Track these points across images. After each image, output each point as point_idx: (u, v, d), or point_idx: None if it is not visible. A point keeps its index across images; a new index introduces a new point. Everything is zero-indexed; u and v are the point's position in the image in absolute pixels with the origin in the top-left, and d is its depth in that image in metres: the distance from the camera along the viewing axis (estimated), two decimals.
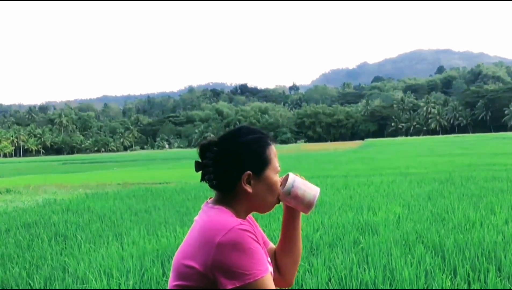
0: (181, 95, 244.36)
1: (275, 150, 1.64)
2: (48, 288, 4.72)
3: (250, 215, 1.73)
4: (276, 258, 1.78)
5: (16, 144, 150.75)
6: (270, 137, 1.64)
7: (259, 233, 1.74)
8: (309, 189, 1.65)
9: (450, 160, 23.24)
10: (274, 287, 1.48)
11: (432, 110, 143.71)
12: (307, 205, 1.65)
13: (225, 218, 1.50)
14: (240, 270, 1.41)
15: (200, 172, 1.62)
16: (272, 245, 1.82)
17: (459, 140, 71.87)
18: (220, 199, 1.59)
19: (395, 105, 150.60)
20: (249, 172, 1.55)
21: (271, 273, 1.61)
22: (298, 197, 1.64)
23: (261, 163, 1.58)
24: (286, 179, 1.66)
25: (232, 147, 1.57)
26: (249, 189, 1.56)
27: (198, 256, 1.46)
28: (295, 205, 1.67)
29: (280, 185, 1.66)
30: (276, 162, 1.62)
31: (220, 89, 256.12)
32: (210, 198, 1.65)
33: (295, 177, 1.66)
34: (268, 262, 1.61)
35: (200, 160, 1.60)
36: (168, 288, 1.55)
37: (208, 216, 1.54)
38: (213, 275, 1.43)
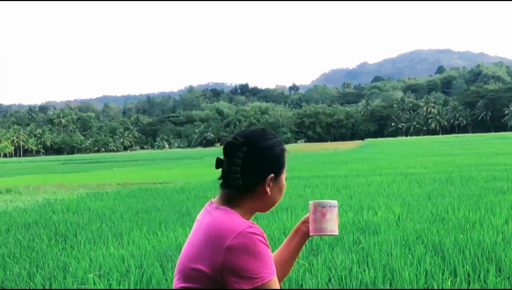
0: (181, 95, 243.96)
1: None
2: (48, 288, 4.73)
3: None
4: None
5: (16, 144, 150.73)
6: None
7: None
8: (334, 223, 1.71)
9: (450, 160, 23.23)
10: (279, 288, 1.49)
11: (432, 110, 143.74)
12: (320, 228, 1.70)
13: (233, 220, 1.50)
14: (248, 273, 1.42)
15: (219, 170, 1.61)
16: None
17: (459, 140, 71.86)
18: (227, 199, 1.58)
19: (395, 105, 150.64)
20: (272, 175, 1.59)
21: None
22: (323, 216, 1.69)
23: (281, 166, 1.62)
24: (330, 201, 1.73)
25: (261, 149, 1.58)
26: (269, 190, 1.59)
27: (206, 259, 1.46)
28: (313, 219, 1.71)
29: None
30: (286, 165, 1.68)
31: (220, 89, 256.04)
32: (214, 197, 1.65)
33: (337, 206, 1.72)
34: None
35: (222, 157, 1.60)
36: (173, 285, 1.56)
37: (214, 217, 1.53)
38: (221, 278, 1.44)
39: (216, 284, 1.45)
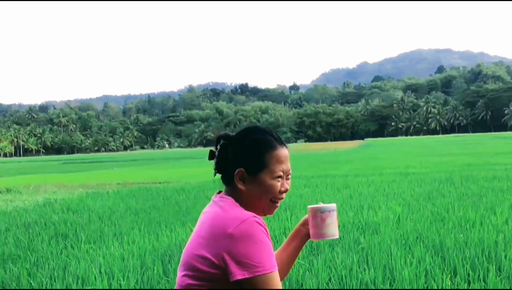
0: (181, 94, 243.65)
1: (283, 155, 1.62)
2: (48, 288, 4.73)
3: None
4: None
5: (16, 144, 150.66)
6: (279, 141, 1.64)
7: None
8: (334, 226, 1.71)
9: (450, 159, 23.24)
10: (281, 287, 1.48)
11: (432, 109, 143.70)
12: (320, 233, 1.70)
13: (238, 210, 1.52)
14: (250, 261, 1.43)
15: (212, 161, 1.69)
16: None
17: (459, 139, 71.86)
18: (228, 192, 1.62)
19: (395, 105, 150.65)
20: (241, 169, 1.58)
21: None
22: (323, 222, 1.69)
23: (258, 164, 1.59)
24: (328, 205, 1.72)
25: (238, 143, 1.61)
26: (240, 186, 1.59)
27: (211, 246, 1.47)
28: (312, 224, 1.71)
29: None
30: (276, 167, 1.60)
31: (221, 89, 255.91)
32: (219, 191, 1.69)
33: (335, 209, 1.72)
34: None
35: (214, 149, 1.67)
36: (177, 280, 1.56)
37: (220, 207, 1.56)
38: (225, 265, 1.45)
39: (220, 271, 1.46)
